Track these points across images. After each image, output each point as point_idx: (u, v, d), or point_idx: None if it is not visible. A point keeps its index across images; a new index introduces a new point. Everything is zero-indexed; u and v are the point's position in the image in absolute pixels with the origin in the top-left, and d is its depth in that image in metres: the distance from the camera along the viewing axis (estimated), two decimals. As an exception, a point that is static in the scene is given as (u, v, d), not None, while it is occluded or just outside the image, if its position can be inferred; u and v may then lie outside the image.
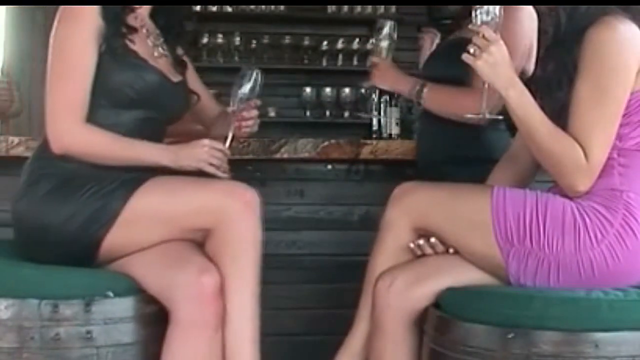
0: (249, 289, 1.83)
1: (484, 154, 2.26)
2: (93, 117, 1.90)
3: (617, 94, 1.73)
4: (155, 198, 1.86)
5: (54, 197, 1.86)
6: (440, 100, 2.33)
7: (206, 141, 1.97)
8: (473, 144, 2.28)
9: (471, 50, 1.74)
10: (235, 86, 2.06)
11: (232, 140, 2.04)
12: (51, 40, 1.89)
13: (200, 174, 1.96)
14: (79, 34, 1.88)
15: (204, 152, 1.95)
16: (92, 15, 1.88)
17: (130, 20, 1.98)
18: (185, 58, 2.17)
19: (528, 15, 2.23)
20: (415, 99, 2.36)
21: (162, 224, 1.86)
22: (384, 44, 2.34)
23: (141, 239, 1.85)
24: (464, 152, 2.30)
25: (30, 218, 1.88)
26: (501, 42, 1.74)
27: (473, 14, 1.76)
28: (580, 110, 1.73)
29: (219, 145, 1.98)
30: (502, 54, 1.73)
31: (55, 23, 1.90)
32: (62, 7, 1.89)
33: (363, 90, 2.52)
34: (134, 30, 1.97)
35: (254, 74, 2.06)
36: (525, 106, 1.75)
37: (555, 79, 1.79)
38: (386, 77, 2.40)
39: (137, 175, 1.88)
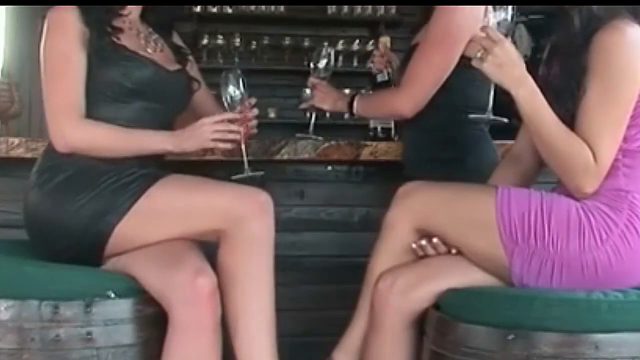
0: (265, 289, 1.85)
1: (456, 157, 2.26)
2: (94, 114, 1.94)
3: (626, 96, 1.74)
4: (171, 193, 1.88)
5: (70, 186, 1.88)
6: (369, 106, 2.40)
7: (205, 119, 1.99)
8: (445, 147, 2.27)
9: (478, 54, 1.74)
10: (222, 91, 2.06)
11: (247, 147, 2.05)
12: (41, 49, 1.95)
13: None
14: (64, 40, 1.93)
15: (204, 131, 1.97)
16: (73, 22, 1.93)
17: (118, 23, 2.01)
18: (186, 50, 2.20)
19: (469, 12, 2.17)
20: (347, 111, 2.43)
21: (175, 220, 1.87)
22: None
23: (151, 233, 1.87)
24: (437, 155, 2.29)
25: (44, 205, 1.90)
26: (506, 42, 1.73)
27: (487, 16, 1.77)
28: (588, 113, 1.74)
29: (219, 117, 1.99)
30: (508, 54, 1.72)
31: (44, 32, 1.95)
32: (47, 16, 1.95)
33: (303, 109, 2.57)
34: (119, 30, 1.99)
35: (237, 75, 2.06)
36: (535, 105, 1.74)
37: (566, 88, 1.78)
38: (326, 98, 2.50)
39: (154, 172, 1.92)
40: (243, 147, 2.04)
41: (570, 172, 1.76)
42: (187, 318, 1.75)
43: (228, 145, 1.99)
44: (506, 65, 1.72)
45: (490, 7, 1.78)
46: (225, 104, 2.05)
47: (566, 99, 1.77)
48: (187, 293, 1.75)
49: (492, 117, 1.87)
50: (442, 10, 2.19)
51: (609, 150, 1.74)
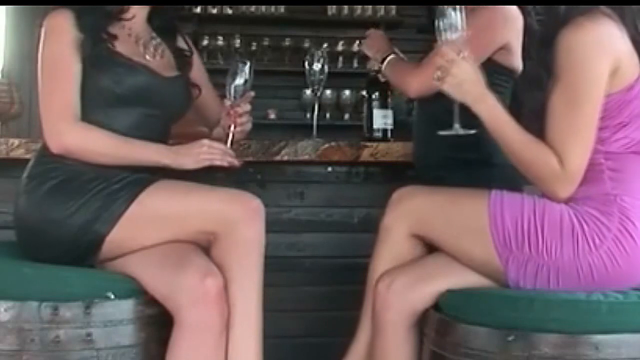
0: (253, 293, 1.84)
1: (481, 157, 2.25)
2: (88, 120, 1.94)
3: (591, 97, 1.71)
4: (162, 198, 1.88)
5: (60, 192, 1.87)
6: (392, 71, 2.40)
7: (205, 141, 2.00)
8: (469, 147, 2.27)
9: (436, 74, 1.79)
10: (228, 79, 2.06)
11: (232, 139, 2.05)
12: (38, 55, 1.96)
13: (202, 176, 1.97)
14: (59, 45, 1.94)
15: (203, 152, 1.97)
16: (68, 28, 1.94)
17: (117, 29, 2.01)
18: (189, 53, 2.19)
19: (501, 16, 2.20)
20: (377, 68, 2.45)
21: (167, 224, 1.87)
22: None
23: (145, 238, 1.86)
24: (460, 156, 2.29)
25: (33, 213, 1.89)
26: (462, 62, 1.76)
27: (437, 34, 1.79)
28: (554, 117, 1.73)
29: (219, 145, 2.00)
30: (465, 72, 1.76)
31: (41, 39, 1.97)
32: (44, 22, 1.97)
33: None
34: (115, 37, 1.99)
35: (246, 67, 2.07)
36: (497, 119, 1.77)
37: (536, 77, 1.80)
38: (374, 44, 2.49)
39: (145, 176, 1.91)
40: (229, 143, 2.03)
41: (539, 179, 1.77)
42: (195, 319, 1.75)
43: (225, 164, 1.99)
44: (465, 83, 1.77)
45: (441, 27, 1.79)
46: (227, 93, 2.06)
47: (536, 91, 1.78)
48: (195, 294, 1.75)
49: (461, 132, 1.89)
50: (485, 11, 2.19)
51: (578, 154, 1.72)
